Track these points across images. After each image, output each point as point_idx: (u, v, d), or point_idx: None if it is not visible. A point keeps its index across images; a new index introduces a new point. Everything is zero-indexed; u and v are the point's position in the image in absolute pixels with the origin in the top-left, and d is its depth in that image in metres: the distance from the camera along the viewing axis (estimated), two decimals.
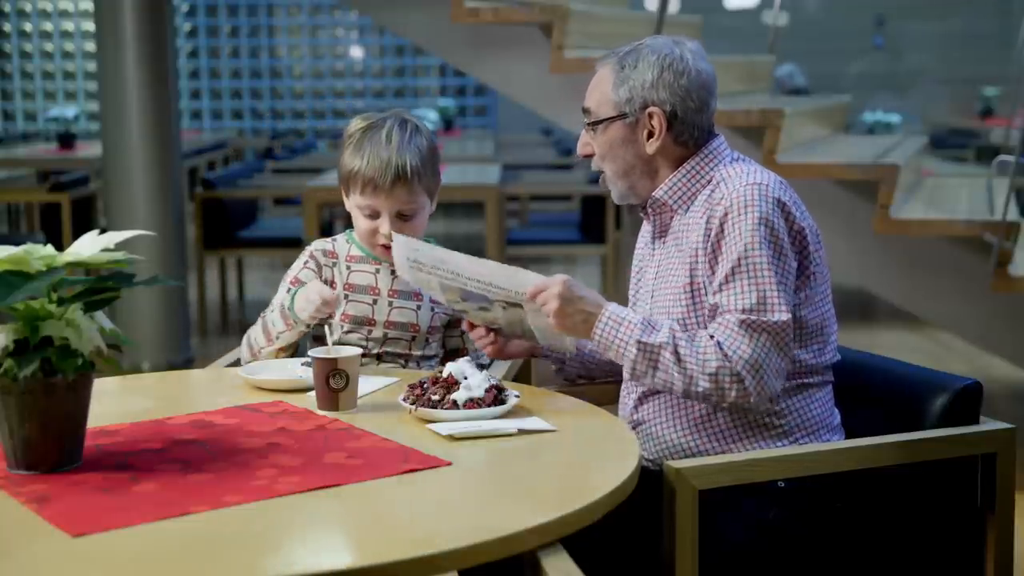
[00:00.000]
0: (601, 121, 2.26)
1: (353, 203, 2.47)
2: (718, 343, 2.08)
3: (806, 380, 2.21)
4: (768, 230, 2.11)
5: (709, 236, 2.15)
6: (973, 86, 11.27)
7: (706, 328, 2.15)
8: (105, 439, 1.93)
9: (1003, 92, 10.56)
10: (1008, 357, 4.92)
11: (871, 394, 2.33)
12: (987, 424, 2.22)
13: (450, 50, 5.49)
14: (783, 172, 4.39)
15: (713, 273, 2.15)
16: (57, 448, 1.76)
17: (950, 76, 11.85)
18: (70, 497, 1.66)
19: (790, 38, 8.34)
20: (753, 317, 2.08)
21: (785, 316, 2.08)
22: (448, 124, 10.79)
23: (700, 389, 2.09)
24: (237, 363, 2.57)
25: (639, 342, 2.11)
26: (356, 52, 13.19)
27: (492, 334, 2.36)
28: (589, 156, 2.31)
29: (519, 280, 2.19)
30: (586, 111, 2.28)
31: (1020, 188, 4.89)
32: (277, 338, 2.46)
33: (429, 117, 8.98)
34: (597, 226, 6.74)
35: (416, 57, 12.96)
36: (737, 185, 2.16)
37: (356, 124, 2.47)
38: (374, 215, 2.44)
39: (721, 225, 2.14)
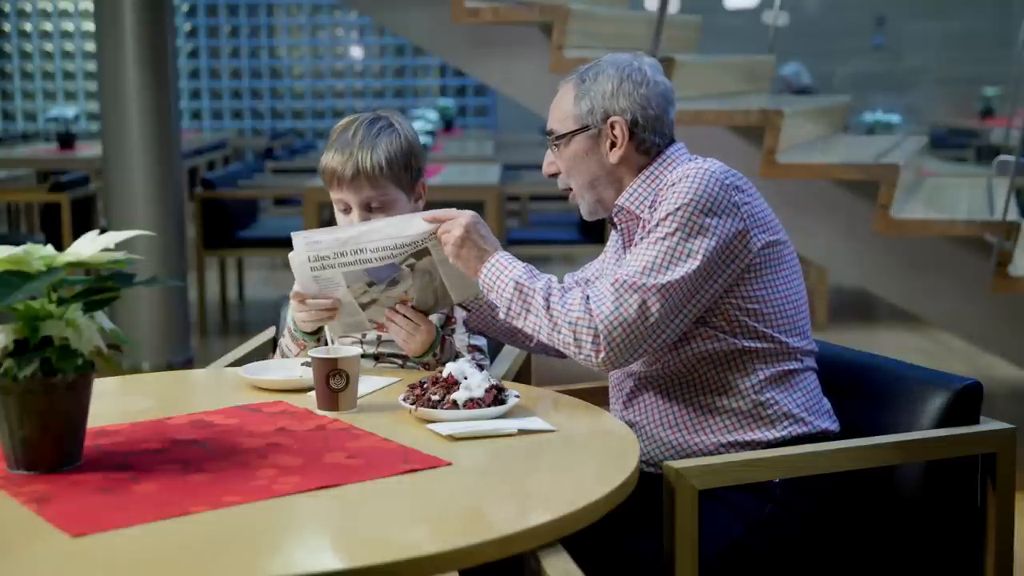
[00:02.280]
0: (564, 135, 2.29)
1: (332, 198, 2.52)
2: (587, 298, 2.13)
3: (786, 366, 2.22)
4: (688, 207, 2.13)
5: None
6: (973, 86, 11.27)
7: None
8: (105, 439, 1.93)
9: (1003, 92, 10.56)
10: (1008, 357, 4.92)
11: (871, 394, 2.33)
12: (987, 424, 2.22)
13: (450, 50, 5.49)
14: (783, 172, 4.44)
15: None
16: (57, 448, 1.76)
17: (950, 76, 11.86)
18: (70, 497, 1.66)
19: (790, 38, 8.34)
20: (627, 279, 2.11)
21: (663, 279, 2.10)
22: (448, 124, 10.78)
23: (560, 336, 2.14)
24: (237, 363, 2.57)
25: (517, 282, 2.19)
26: (356, 52, 13.19)
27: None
28: (555, 175, 2.36)
29: (422, 224, 2.29)
30: (549, 132, 2.33)
31: (1020, 188, 4.89)
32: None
33: (429, 117, 8.97)
34: (597, 226, 6.73)
35: (416, 57, 12.97)
36: (680, 172, 2.20)
37: (338, 124, 2.54)
38: (347, 209, 2.48)
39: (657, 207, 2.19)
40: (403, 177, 2.48)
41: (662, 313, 2.10)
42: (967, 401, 2.21)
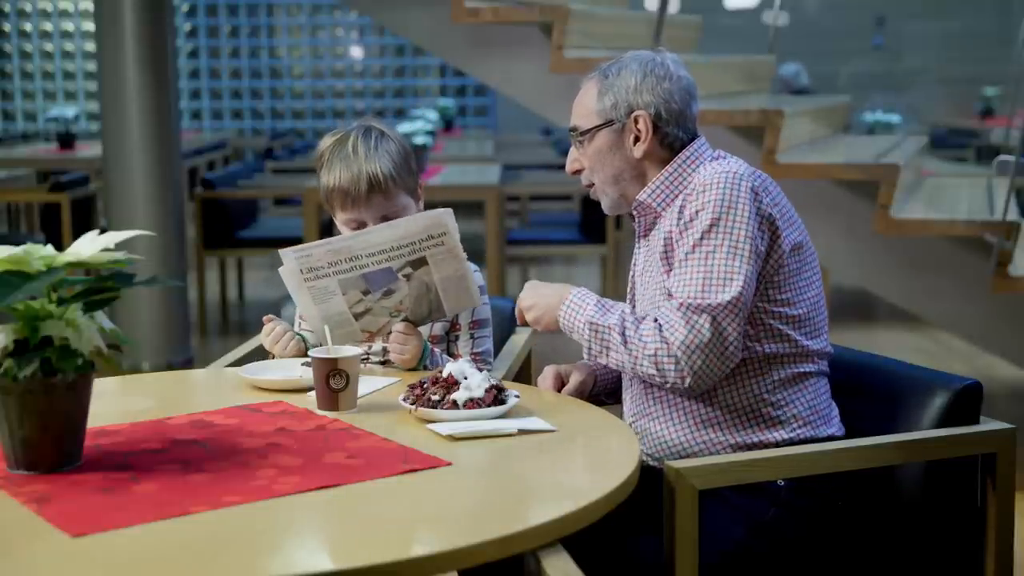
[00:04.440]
0: (588, 131, 2.29)
1: (340, 220, 2.51)
2: (659, 326, 2.13)
3: (800, 368, 2.22)
4: (728, 216, 2.13)
5: (678, 226, 2.19)
6: (973, 86, 11.27)
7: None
8: (105, 439, 1.93)
9: (1003, 92, 10.56)
10: (1008, 357, 4.92)
11: (871, 394, 2.33)
12: (987, 424, 2.22)
13: (450, 50, 5.49)
14: (783, 172, 4.43)
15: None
16: (57, 448, 1.76)
17: (950, 76, 11.86)
18: (70, 497, 1.66)
19: (790, 38, 8.34)
20: (692, 300, 2.10)
21: (727, 296, 2.09)
22: (448, 124, 10.78)
23: (643, 369, 2.14)
24: (237, 363, 2.57)
25: (591, 323, 2.19)
26: (356, 52, 13.19)
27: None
28: (578, 172, 2.35)
29: (416, 223, 2.30)
30: (573, 128, 2.33)
31: (1020, 188, 4.89)
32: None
33: (429, 117, 8.97)
34: (597, 226, 6.74)
35: (416, 57, 12.97)
36: (706, 175, 2.19)
37: (324, 143, 2.52)
38: (360, 227, 2.46)
39: (687, 214, 2.17)
40: (410, 182, 2.49)
41: (737, 329, 2.11)
42: (967, 401, 2.21)
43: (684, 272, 2.14)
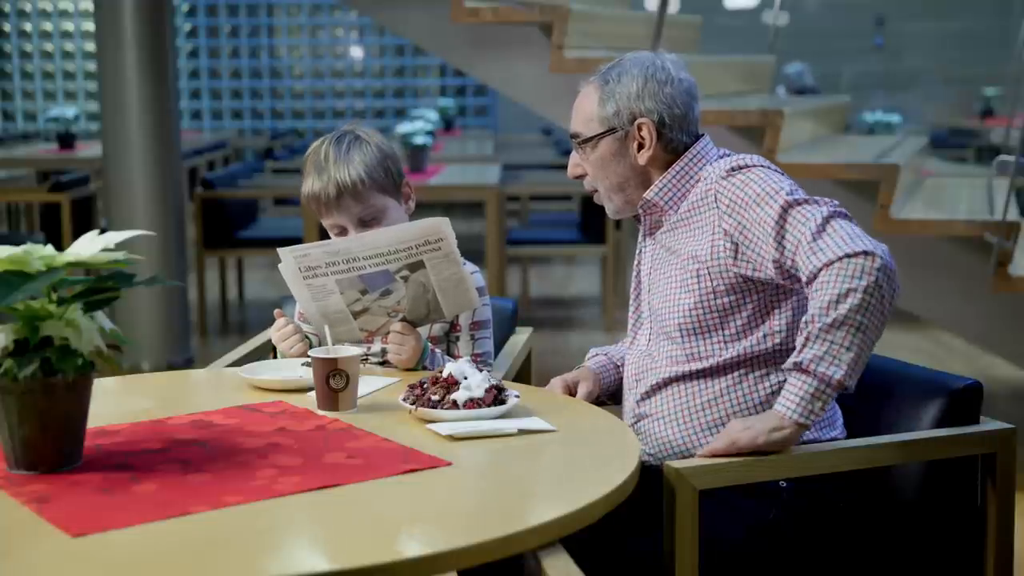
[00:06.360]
0: (591, 139, 2.28)
1: (325, 226, 2.53)
2: (825, 265, 2.02)
3: None
4: (772, 180, 2.14)
5: (723, 229, 2.16)
6: (973, 86, 11.27)
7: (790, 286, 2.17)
8: (105, 439, 1.93)
9: (1003, 92, 10.56)
10: (1008, 357, 4.92)
11: (871, 394, 2.33)
12: (987, 424, 2.22)
13: (450, 50, 5.49)
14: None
15: (757, 251, 2.13)
16: (57, 448, 1.76)
17: (950, 76, 11.86)
18: (70, 497, 1.66)
19: (790, 38, 8.34)
20: (815, 227, 2.05)
21: (826, 202, 2.09)
22: (448, 124, 10.79)
23: (858, 298, 1.99)
24: (237, 363, 2.57)
25: (796, 363, 2.03)
26: (356, 52, 13.19)
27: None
28: (580, 177, 2.34)
29: (412, 230, 2.29)
30: (575, 135, 2.31)
31: (1020, 188, 4.88)
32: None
33: (429, 117, 8.97)
34: (597, 226, 6.74)
35: (416, 57, 12.97)
36: (722, 171, 2.19)
37: (307, 152, 2.55)
38: (343, 231, 2.49)
39: (733, 217, 2.15)
40: (386, 184, 2.49)
41: (847, 212, 2.10)
42: (967, 401, 2.21)
43: (788, 236, 2.09)
